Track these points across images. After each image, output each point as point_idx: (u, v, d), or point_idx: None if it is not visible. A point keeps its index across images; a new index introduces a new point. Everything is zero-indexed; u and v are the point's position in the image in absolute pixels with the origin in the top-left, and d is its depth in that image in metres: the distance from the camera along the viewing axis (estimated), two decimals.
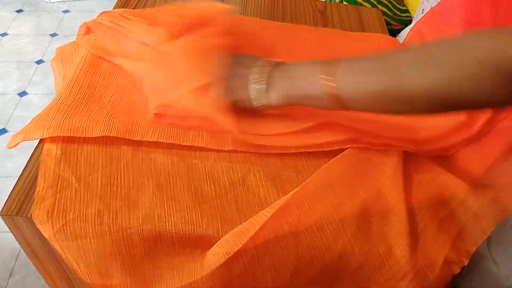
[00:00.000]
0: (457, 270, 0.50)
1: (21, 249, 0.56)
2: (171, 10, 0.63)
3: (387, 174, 0.53)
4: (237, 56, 0.55)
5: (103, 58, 0.62)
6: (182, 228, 0.46)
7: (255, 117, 0.55)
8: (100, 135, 0.51)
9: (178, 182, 0.50)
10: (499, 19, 0.61)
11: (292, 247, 0.47)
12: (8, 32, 2.02)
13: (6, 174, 1.43)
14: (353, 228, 0.48)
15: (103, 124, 0.51)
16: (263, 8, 0.86)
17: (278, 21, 0.81)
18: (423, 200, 0.52)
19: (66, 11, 2.19)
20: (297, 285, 0.50)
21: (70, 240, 0.45)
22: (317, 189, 0.50)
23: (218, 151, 0.54)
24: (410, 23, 1.40)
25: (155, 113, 0.53)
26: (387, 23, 1.42)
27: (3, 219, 0.47)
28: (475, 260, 0.53)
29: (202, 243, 0.47)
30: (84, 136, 0.51)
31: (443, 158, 0.58)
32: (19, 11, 2.16)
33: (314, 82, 0.47)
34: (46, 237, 0.45)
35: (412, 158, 0.56)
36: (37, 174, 0.48)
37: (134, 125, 0.52)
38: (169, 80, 0.54)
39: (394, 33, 1.27)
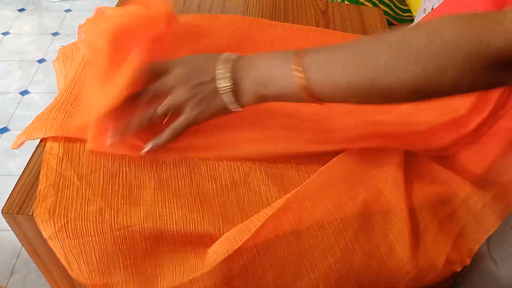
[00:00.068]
0: (458, 269, 0.50)
1: (22, 247, 0.56)
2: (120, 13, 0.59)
3: (388, 173, 0.53)
4: (186, 62, 0.49)
5: None
6: (183, 226, 0.46)
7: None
8: None
9: (180, 181, 0.50)
10: None
11: (293, 246, 0.47)
12: (10, 31, 2.03)
13: (8, 172, 1.44)
14: (354, 227, 0.48)
15: None
16: (265, 7, 0.86)
17: (280, 21, 0.81)
18: (424, 199, 0.52)
19: (68, 10, 2.20)
20: (300, 287, 0.50)
21: (72, 239, 0.45)
22: (318, 188, 0.50)
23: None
24: (412, 22, 1.41)
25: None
26: (389, 23, 1.42)
27: (4, 217, 0.48)
28: (475, 260, 0.53)
29: (203, 241, 0.47)
30: (85, 137, 0.50)
31: (444, 158, 0.58)
32: (21, 10, 2.17)
33: (284, 74, 0.44)
34: (45, 237, 0.45)
35: (413, 158, 0.56)
36: (39, 173, 0.49)
37: None
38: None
39: None
